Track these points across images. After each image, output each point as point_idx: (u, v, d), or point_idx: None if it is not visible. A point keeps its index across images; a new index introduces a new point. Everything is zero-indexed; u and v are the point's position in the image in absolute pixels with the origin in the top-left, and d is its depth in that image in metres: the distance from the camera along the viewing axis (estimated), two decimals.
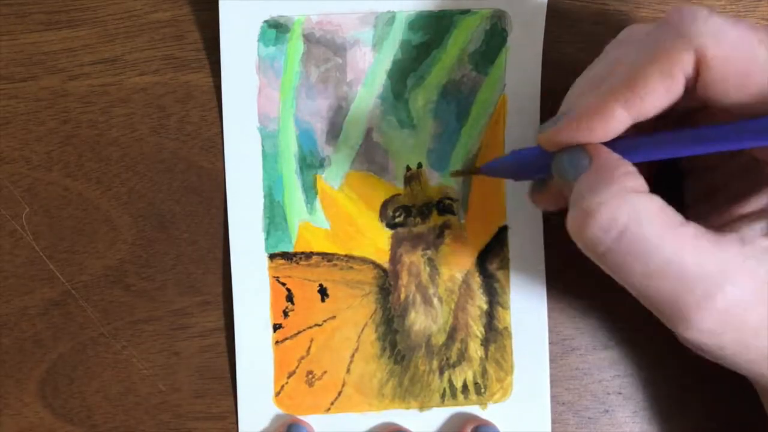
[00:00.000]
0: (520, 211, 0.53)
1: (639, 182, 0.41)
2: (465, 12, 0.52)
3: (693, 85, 0.40)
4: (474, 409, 0.53)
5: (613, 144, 0.42)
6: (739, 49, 0.39)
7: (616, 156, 0.42)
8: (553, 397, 0.53)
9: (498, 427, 0.53)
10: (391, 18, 0.52)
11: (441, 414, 0.54)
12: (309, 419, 0.53)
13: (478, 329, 0.53)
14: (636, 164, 0.42)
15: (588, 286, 0.53)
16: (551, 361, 0.54)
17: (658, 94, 0.40)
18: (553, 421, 0.54)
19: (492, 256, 0.53)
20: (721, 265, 0.39)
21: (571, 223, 0.41)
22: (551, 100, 0.52)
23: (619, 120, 0.41)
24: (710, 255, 0.39)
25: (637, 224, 0.39)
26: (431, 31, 0.52)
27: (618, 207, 0.39)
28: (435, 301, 0.53)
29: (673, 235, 0.39)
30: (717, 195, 0.47)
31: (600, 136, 0.42)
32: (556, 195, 0.47)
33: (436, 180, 0.53)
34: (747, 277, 0.39)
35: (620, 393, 0.54)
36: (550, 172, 0.45)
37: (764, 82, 0.39)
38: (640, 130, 0.43)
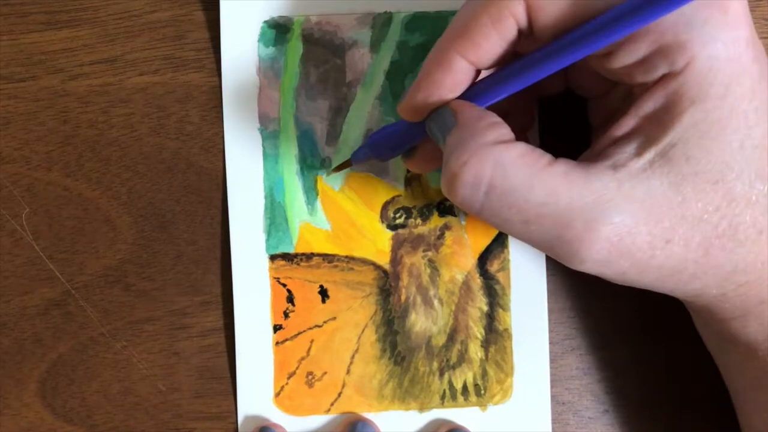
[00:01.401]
0: None
1: (501, 131, 0.41)
2: None
3: (527, 32, 0.41)
4: (474, 411, 0.53)
5: (470, 93, 0.43)
6: None
7: (478, 109, 0.42)
8: (553, 397, 0.53)
9: (472, 430, 0.53)
10: (387, 19, 0.52)
11: (441, 416, 0.54)
12: (308, 420, 0.53)
13: (478, 331, 0.53)
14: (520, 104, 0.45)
15: (588, 286, 0.53)
16: (551, 361, 0.54)
17: (492, 40, 0.41)
18: (553, 421, 0.54)
19: (492, 257, 0.53)
20: (596, 196, 0.40)
21: (443, 185, 0.42)
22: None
23: (460, 69, 0.42)
24: (583, 188, 0.40)
25: (502, 176, 0.40)
26: (428, 32, 0.52)
27: (480, 163, 0.40)
28: (435, 302, 0.53)
29: (542, 176, 0.40)
30: (606, 124, 0.47)
31: (449, 88, 0.43)
32: (426, 158, 0.47)
33: (436, 181, 0.53)
34: (625, 201, 0.40)
35: (620, 393, 0.54)
36: (411, 144, 0.46)
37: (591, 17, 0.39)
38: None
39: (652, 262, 0.41)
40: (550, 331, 0.53)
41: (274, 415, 0.53)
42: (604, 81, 0.46)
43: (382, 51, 0.52)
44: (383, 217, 0.53)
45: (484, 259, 0.53)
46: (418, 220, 0.53)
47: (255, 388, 0.53)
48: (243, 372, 0.53)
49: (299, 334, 0.53)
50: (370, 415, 0.53)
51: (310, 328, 0.53)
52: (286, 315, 0.53)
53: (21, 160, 0.53)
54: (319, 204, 0.53)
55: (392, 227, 0.53)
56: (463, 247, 0.53)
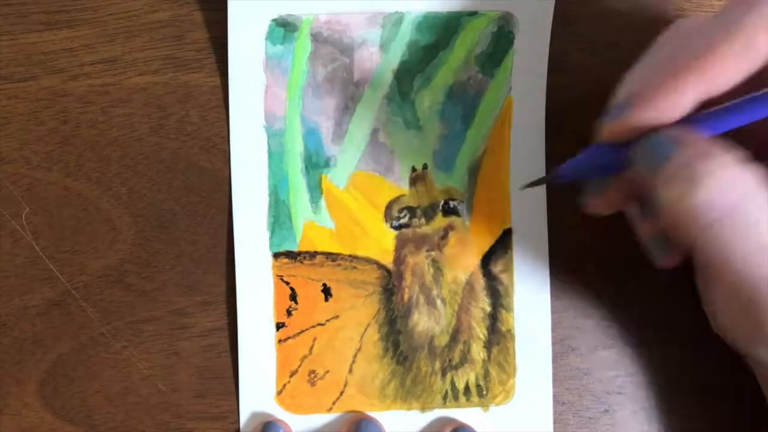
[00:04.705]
0: (524, 213, 0.53)
1: (742, 155, 0.39)
2: (472, 14, 0.52)
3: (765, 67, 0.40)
4: (476, 411, 0.53)
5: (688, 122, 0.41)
6: None
7: (702, 136, 0.40)
8: (553, 397, 0.54)
9: (476, 429, 0.53)
10: (399, 19, 0.52)
11: (443, 415, 0.54)
12: (310, 418, 0.53)
13: (481, 331, 0.53)
14: None
15: (589, 286, 0.53)
16: (551, 361, 0.54)
17: (732, 72, 0.39)
18: (554, 421, 0.54)
19: (496, 258, 0.53)
20: None
21: (670, 197, 0.39)
22: (557, 103, 0.52)
23: (689, 99, 0.40)
24: None
25: (748, 196, 0.38)
26: (439, 32, 0.53)
27: (731, 176, 0.38)
28: (438, 302, 0.53)
29: None
30: None
31: (670, 116, 0.41)
32: (618, 193, 0.46)
33: (441, 181, 0.53)
34: None
35: (620, 393, 0.54)
36: (621, 168, 0.44)
37: None
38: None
39: None
40: (551, 331, 0.54)
41: (276, 413, 0.53)
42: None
43: (392, 50, 0.53)
44: (387, 216, 0.53)
45: (487, 260, 0.53)
46: (422, 220, 0.53)
47: (257, 385, 0.53)
48: (245, 369, 0.53)
49: (302, 332, 0.53)
50: (371, 414, 0.53)
51: (313, 327, 0.53)
52: (288, 313, 0.53)
53: (21, 160, 0.53)
54: (323, 202, 0.53)
55: (396, 227, 0.53)
56: (467, 248, 0.53)
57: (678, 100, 0.40)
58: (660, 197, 0.40)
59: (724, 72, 0.39)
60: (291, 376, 0.53)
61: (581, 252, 0.52)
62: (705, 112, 0.41)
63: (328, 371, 0.53)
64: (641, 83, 0.42)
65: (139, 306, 0.53)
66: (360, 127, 0.53)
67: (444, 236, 0.53)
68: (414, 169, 0.53)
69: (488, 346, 0.53)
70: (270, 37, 0.52)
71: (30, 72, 0.53)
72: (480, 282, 0.53)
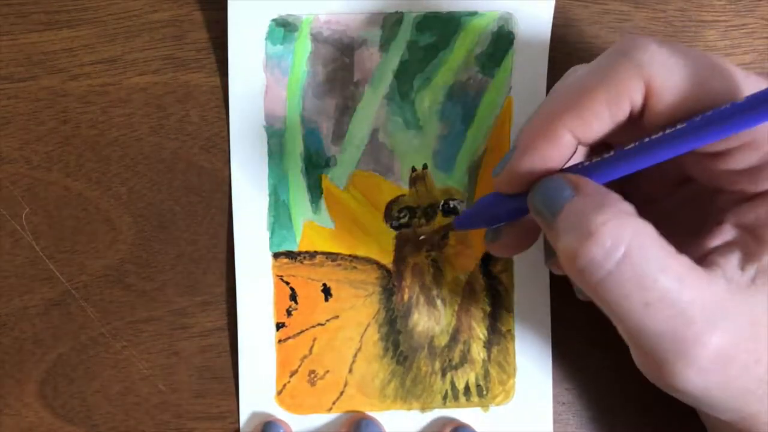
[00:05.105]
0: None
1: (632, 208, 0.39)
2: (472, 14, 0.52)
3: (636, 116, 0.40)
4: (476, 411, 0.53)
5: (579, 170, 0.41)
6: (691, 81, 0.38)
7: (596, 183, 0.40)
8: (553, 397, 0.54)
9: (476, 429, 0.53)
10: (398, 19, 0.52)
11: (443, 415, 0.54)
12: (310, 418, 0.53)
13: (480, 331, 0.53)
14: None
15: None
16: (551, 360, 0.54)
17: (603, 121, 0.40)
18: (554, 421, 0.54)
19: (496, 258, 0.53)
20: (717, 298, 0.38)
21: (565, 249, 0.39)
22: None
23: (566, 144, 0.40)
24: (705, 289, 0.38)
25: (640, 247, 0.37)
26: (439, 32, 0.52)
27: (621, 227, 0.37)
28: (438, 302, 0.53)
29: (674, 260, 0.38)
30: (664, 228, 0.43)
31: (552, 159, 0.41)
32: (516, 239, 0.46)
33: (441, 181, 0.53)
34: (737, 314, 0.38)
35: (620, 393, 0.54)
36: (520, 215, 0.44)
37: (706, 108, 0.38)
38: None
39: (737, 382, 0.39)
40: (551, 331, 0.54)
41: (276, 413, 0.53)
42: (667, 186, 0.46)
43: (392, 50, 0.53)
44: (387, 216, 0.53)
45: (487, 260, 0.53)
46: (422, 220, 0.53)
47: (257, 385, 0.53)
48: (245, 369, 0.53)
49: (302, 332, 0.53)
50: (371, 414, 0.53)
51: (313, 327, 0.53)
52: (288, 313, 0.53)
53: (21, 160, 0.53)
54: (323, 202, 0.53)
55: (396, 227, 0.53)
56: (467, 248, 0.53)
57: (556, 144, 0.40)
58: (557, 247, 0.40)
59: (597, 116, 0.40)
60: (291, 376, 0.53)
61: None
62: (593, 161, 0.41)
63: (328, 371, 0.53)
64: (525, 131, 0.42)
65: (139, 306, 0.53)
66: (360, 127, 0.53)
67: (444, 236, 0.53)
68: (414, 169, 0.53)
69: (488, 346, 0.53)
70: (270, 37, 0.52)
71: (30, 72, 0.53)
72: (480, 282, 0.53)
